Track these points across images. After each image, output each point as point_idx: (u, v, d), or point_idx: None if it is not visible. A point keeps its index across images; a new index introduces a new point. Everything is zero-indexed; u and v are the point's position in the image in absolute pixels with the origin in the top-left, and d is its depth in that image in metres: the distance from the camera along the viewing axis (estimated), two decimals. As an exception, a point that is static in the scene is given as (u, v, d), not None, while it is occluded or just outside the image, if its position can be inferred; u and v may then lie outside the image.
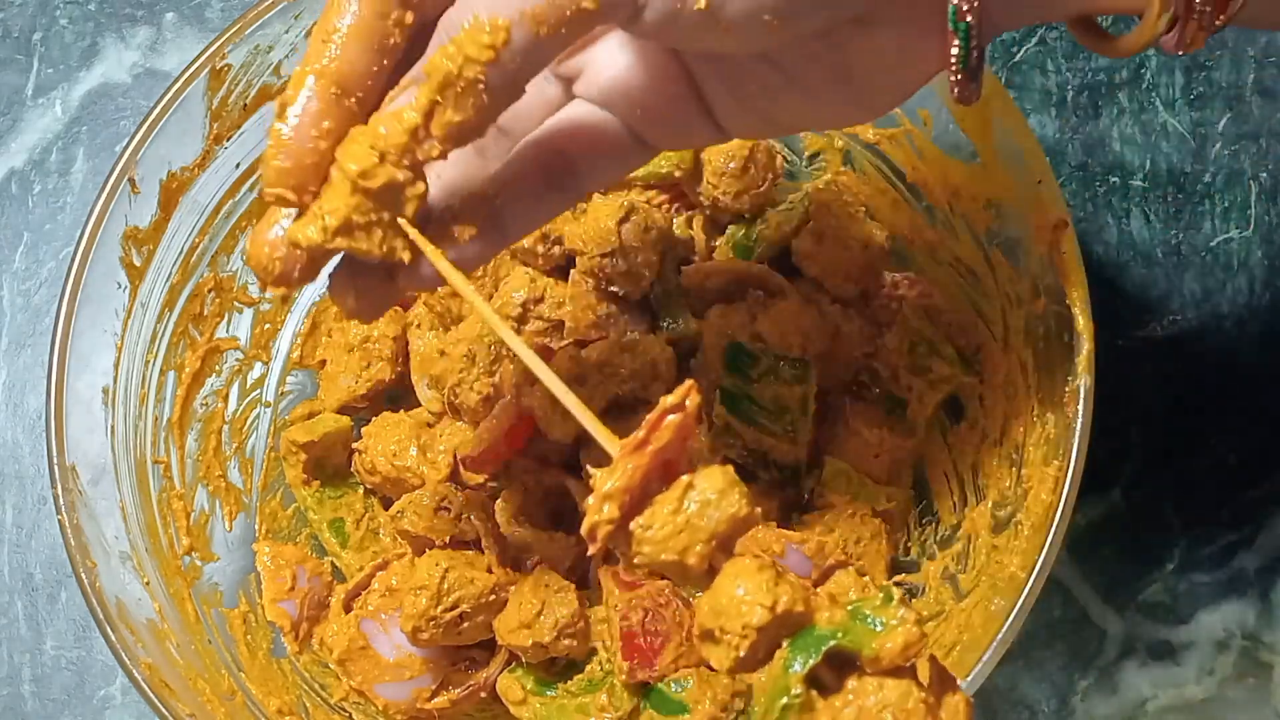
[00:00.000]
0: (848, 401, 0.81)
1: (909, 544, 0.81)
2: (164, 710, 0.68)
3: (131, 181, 0.74)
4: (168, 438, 0.79)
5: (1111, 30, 0.56)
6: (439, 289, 0.84)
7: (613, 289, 0.81)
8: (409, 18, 0.50)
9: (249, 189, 0.81)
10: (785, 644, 0.46)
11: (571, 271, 0.82)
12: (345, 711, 0.80)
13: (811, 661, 0.45)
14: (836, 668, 0.46)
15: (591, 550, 0.45)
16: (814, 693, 0.46)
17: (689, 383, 0.46)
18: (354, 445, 0.84)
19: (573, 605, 0.77)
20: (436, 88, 0.48)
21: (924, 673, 0.47)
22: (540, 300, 0.82)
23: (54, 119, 0.96)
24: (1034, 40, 0.92)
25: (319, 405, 0.86)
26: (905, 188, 0.81)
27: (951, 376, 0.78)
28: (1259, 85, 0.91)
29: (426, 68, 0.48)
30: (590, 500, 0.45)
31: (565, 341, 0.81)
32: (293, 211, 0.51)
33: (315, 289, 0.87)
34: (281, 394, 0.87)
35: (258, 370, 0.86)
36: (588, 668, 0.80)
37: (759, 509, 0.46)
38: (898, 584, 0.78)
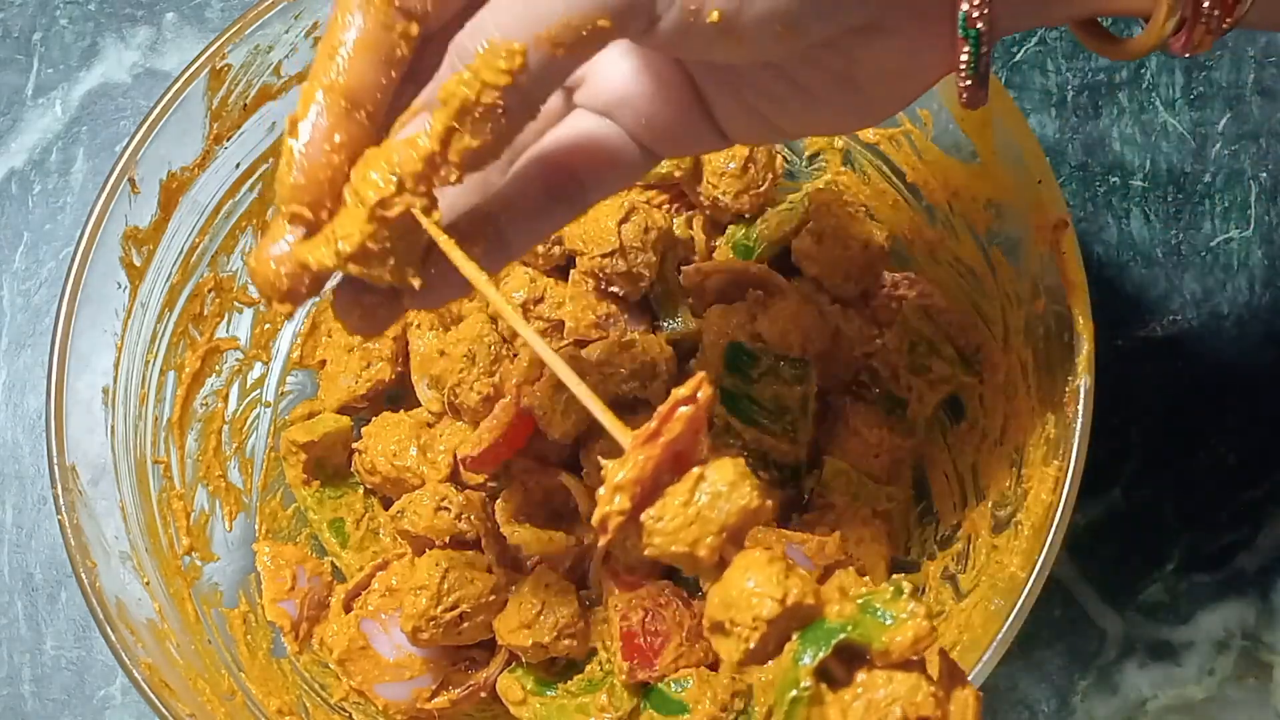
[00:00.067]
0: (848, 401, 0.81)
1: (909, 544, 0.81)
2: (164, 710, 0.68)
3: (131, 181, 0.74)
4: (168, 438, 0.79)
5: (1111, 31, 0.56)
6: (451, 301, 0.84)
7: (613, 289, 0.81)
8: (414, 29, 0.50)
9: (249, 189, 0.81)
10: (795, 637, 0.46)
11: (571, 271, 0.83)
12: (345, 711, 0.80)
13: (821, 654, 0.45)
14: (846, 661, 0.46)
15: (602, 541, 0.45)
16: (823, 686, 0.46)
17: (701, 374, 0.46)
18: (354, 445, 0.84)
19: (573, 605, 0.77)
20: (454, 114, 0.47)
21: (933, 666, 0.47)
22: (540, 300, 0.82)
23: (54, 119, 0.96)
24: (1034, 40, 0.93)
25: (319, 405, 0.86)
26: (905, 188, 0.81)
27: (951, 376, 0.78)
28: (1259, 85, 0.91)
29: (442, 94, 0.47)
30: (601, 491, 0.45)
31: (565, 341, 0.81)
32: (301, 232, 0.51)
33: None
34: (281, 394, 0.87)
35: (258, 370, 0.86)
36: (588, 668, 0.81)
37: (770, 501, 0.46)
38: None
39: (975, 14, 0.50)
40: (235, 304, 0.84)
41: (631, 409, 0.78)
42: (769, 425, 0.77)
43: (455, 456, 0.80)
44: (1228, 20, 0.52)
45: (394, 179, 0.48)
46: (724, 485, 0.46)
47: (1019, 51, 0.93)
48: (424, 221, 0.48)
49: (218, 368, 0.83)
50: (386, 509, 0.84)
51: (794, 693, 0.45)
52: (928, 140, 0.77)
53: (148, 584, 0.74)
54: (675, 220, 0.85)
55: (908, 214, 0.82)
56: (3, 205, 0.95)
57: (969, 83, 0.53)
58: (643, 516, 0.46)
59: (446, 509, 0.79)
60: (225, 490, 0.82)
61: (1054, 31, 0.92)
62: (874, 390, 0.81)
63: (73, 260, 0.73)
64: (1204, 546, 0.86)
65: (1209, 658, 0.84)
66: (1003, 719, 0.84)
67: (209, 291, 0.81)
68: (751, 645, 0.46)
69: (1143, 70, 0.92)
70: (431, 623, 0.75)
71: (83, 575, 0.69)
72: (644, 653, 0.76)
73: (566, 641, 0.77)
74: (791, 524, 0.79)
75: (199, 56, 0.74)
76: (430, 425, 0.83)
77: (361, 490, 0.85)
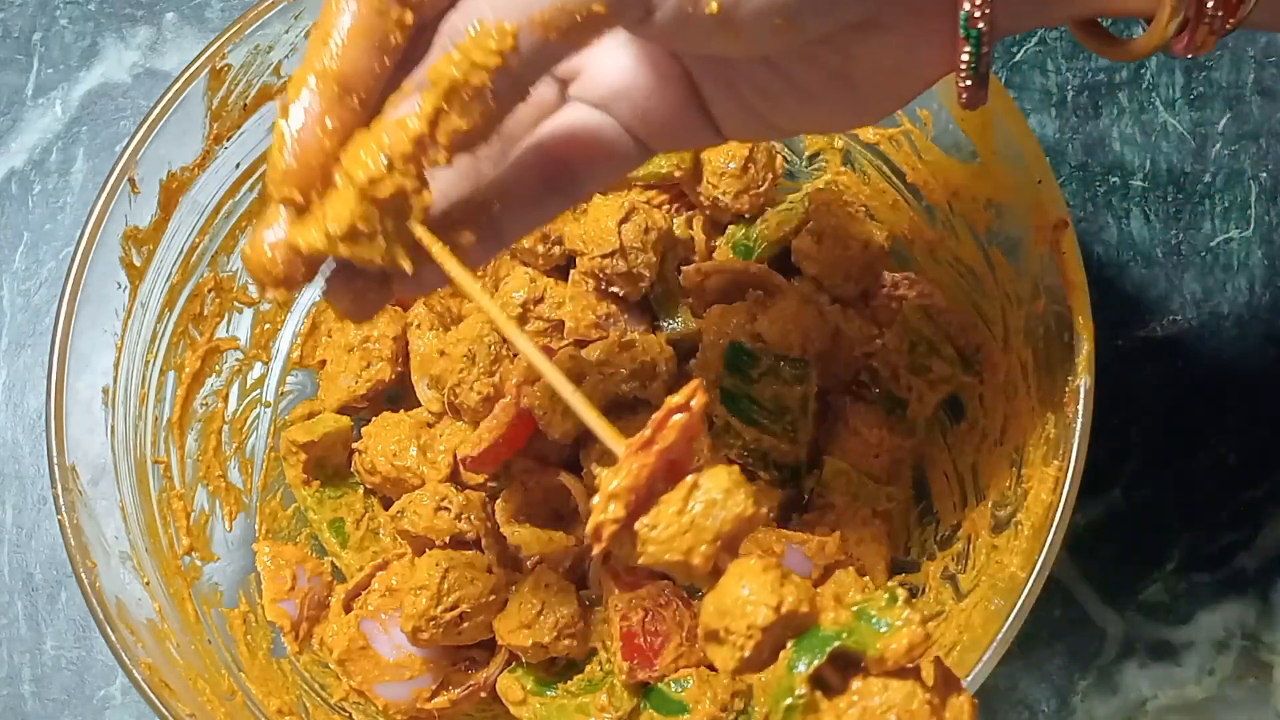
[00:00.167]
0: (848, 401, 0.81)
1: (909, 544, 0.81)
2: (164, 710, 0.68)
3: (131, 181, 0.74)
4: (168, 438, 0.79)
5: (1111, 32, 0.56)
6: (440, 289, 0.84)
7: (613, 289, 0.81)
8: (409, 17, 0.50)
9: (249, 189, 0.81)
10: (790, 644, 0.46)
11: (571, 271, 0.83)
12: (345, 711, 0.80)
13: (816, 662, 0.45)
14: (841, 668, 0.46)
15: (596, 550, 0.45)
16: (818, 693, 0.46)
17: (695, 382, 0.46)
18: (354, 445, 0.84)
19: (573, 605, 0.77)
20: (442, 95, 0.47)
21: (929, 673, 0.47)
22: (540, 300, 0.82)
23: (54, 119, 0.96)
24: (1034, 40, 0.92)
25: (319, 405, 0.86)
26: (905, 188, 0.81)
27: (951, 376, 0.78)
28: (1259, 85, 0.91)
29: (431, 74, 0.47)
30: (596, 500, 0.45)
31: (565, 342, 0.81)
32: (293, 216, 0.51)
33: (316, 289, 0.87)
34: (281, 394, 0.87)
35: (258, 370, 0.86)
36: (588, 668, 0.81)
37: (765, 508, 0.46)
38: (898, 584, 0.79)
39: (977, 13, 0.50)
40: (235, 304, 0.84)
41: (631, 409, 0.78)
42: (769, 425, 0.77)
43: (455, 456, 0.80)
44: (1231, 21, 0.51)
45: (383, 159, 0.48)
46: (718, 493, 0.46)
47: (1019, 51, 0.92)
48: (418, 231, 0.48)
49: (218, 368, 0.83)
50: (386, 509, 0.84)
51: (789, 701, 0.45)
52: (928, 140, 0.77)
53: (148, 584, 0.74)
54: (675, 220, 0.85)
55: (908, 214, 0.82)
56: (3, 205, 0.95)
57: (969, 83, 0.53)
58: (637, 525, 0.46)
59: (446, 509, 0.79)
60: (225, 490, 0.83)
61: (1054, 31, 0.92)
62: (874, 390, 0.81)
63: (73, 260, 0.73)
64: (1204, 546, 0.86)
65: (1209, 658, 0.84)
66: (1003, 719, 0.84)
67: (209, 291, 0.81)
68: (746, 653, 0.45)
69: (1143, 70, 0.92)
70: (431, 623, 0.75)
71: (83, 575, 0.69)
72: (644, 653, 0.76)
73: (566, 641, 0.77)
74: (791, 524, 0.79)
75: (199, 56, 0.74)
76: (430, 425, 0.83)
77: (361, 490, 0.85)
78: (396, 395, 0.86)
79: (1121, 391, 0.86)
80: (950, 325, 0.79)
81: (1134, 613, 0.85)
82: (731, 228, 0.85)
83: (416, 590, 0.75)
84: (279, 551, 0.81)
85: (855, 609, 0.46)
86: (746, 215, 0.84)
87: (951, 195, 0.77)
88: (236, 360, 0.85)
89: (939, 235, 0.80)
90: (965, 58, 0.52)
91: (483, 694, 0.80)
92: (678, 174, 0.83)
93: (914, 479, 0.82)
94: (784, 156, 0.85)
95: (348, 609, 0.81)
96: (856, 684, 0.46)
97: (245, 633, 0.79)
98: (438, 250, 0.49)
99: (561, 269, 0.84)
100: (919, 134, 0.77)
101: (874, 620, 0.46)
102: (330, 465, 0.85)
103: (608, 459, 0.46)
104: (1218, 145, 0.91)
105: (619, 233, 0.79)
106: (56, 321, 0.72)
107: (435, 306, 0.85)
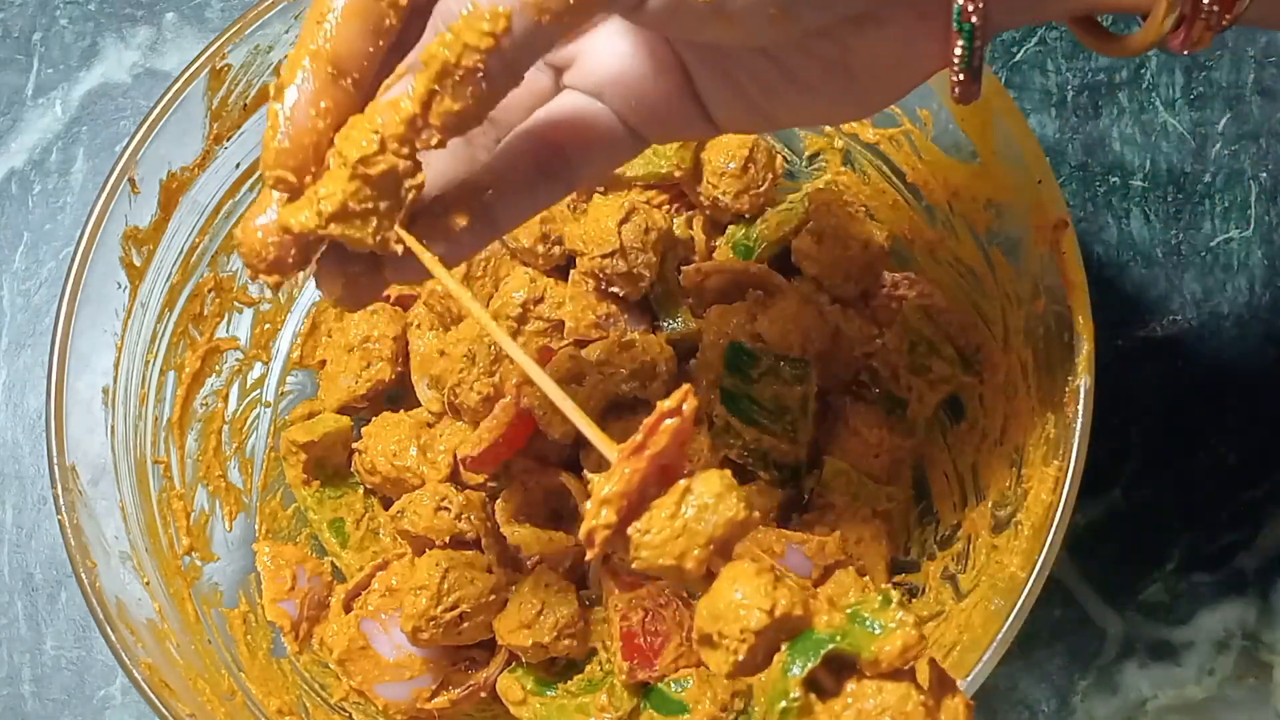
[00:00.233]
0: (848, 401, 0.81)
1: (909, 544, 0.81)
2: (164, 710, 0.68)
3: (131, 181, 0.74)
4: (168, 438, 0.79)
5: (1110, 29, 0.56)
6: (440, 289, 0.84)
7: (613, 289, 0.81)
8: None
9: (249, 189, 0.81)
10: (784, 647, 0.46)
11: (571, 271, 0.82)
12: (345, 711, 0.80)
13: (810, 665, 0.45)
14: (835, 671, 0.46)
15: (589, 555, 0.45)
16: (813, 696, 0.46)
17: (685, 387, 0.46)
18: (354, 445, 0.84)
19: (572, 605, 0.77)
20: (434, 76, 0.47)
21: (923, 675, 0.47)
22: (540, 300, 0.82)
23: (54, 119, 0.96)
24: (1034, 40, 0.92)
25: (319, 405, 0.86)
26: (905, 188, 0.81)
27: (951, 376, 0.78)
28: (1259, 85, 0.91)
29: (424, 56, 0.47)
30: (588, 505, 0.45)
31: (565, 342, 0.81)
32: (284, 198, 0.51)
33: (316, 290, 0.87)
34: (281, 394, 0.87)
35: (258, 370, 0.86)
36: (588, 668, 0.81)
37: (757, 512, 0.46)
38: (898, 584, 0.79)
39: (970, 8, 0.50)
40: (235, 304, 0.84)
41: (631, 409, 0.78)
42: (769, 425, 0.77)
43: (455, 456, 0.80)
44: (1227, 17, 0.51)
45: (376, 138, 0.47)
46: (710, 497, 0.46)
47: (1019, 51, 0.92)
48: (408, 240, 0.48)
49: (218, 368, 0.83)
50: (386, 509, 0.84)
51: (783, 704, 0.45)
52: (928, 140, 0.77)
53: (148, 584, 0.74)
54: (675, 220, 0.85)
55: (908, 214, 0.82)
56: (3, 205, 0.95)
57: (961, 77, 0.53)
58: (630, 530, 0.46)
59: (446, 509, 0.79)
60: (225, 490, 0.83)
61: (1054, 31, 0.92)
62: (874, 390, 0.81)
63: (73, 260, 0.73)
64: (1204, 546, 0.86)
65: (1209, 658, 0.84)
66: (1003, 719, 0.84)
67: (209, 291, 0.82)
68: (740, 657, 0.45)
69: (1143, 70, 0.92)
70: (431, 623, 0.75)
71: (83, 575, 0.69)
72: (644, 653, 0.76)
73: (566, 641, 0.77)
74: (791, 524, 0.79)
75: (199, 56, 0.74)
76: (430, 425, 0.83)
77: (361, 490, 0.85)
78: (396, 395, 0.86)
79: (1121, 391, 0.86)
80: (950, 325, 0.79)
81: (1134, 613, 0.85)
82: (731, 228, 0.85)
83: (416, 590, 0.75)
84: (279, 551, 0.81)
85: (849, 611, 0.46)
86: (746, 215, 0.84)
87: (951, 195, 0.77)
88: (236, 360, 0.85)
89: (939, 235, 0.80)
90: (958, 52, 0.52)
91: (483, 694, 0.80)
92: (678, 174, 0.83)
93: (914, 479, 0.82)
94: (784, 156, 0.85)
95: (348, 609, 0.81)
96: (851, 686, 0.46)
97: (245, 633, 0.79)
98: (424, 256, 0.49)
99: (561, 269, 0.84)
100: (919, 134, 0.77)
101: (868, 622, 0.46)
102: (330, 465, 0.85)
103: (601, 464, 0.46)
104: (1218, 145, 0.91)
105: (619, 233, 0.79)
106: (56, 321, 0.72)
107: (435, 306, 0.85)
